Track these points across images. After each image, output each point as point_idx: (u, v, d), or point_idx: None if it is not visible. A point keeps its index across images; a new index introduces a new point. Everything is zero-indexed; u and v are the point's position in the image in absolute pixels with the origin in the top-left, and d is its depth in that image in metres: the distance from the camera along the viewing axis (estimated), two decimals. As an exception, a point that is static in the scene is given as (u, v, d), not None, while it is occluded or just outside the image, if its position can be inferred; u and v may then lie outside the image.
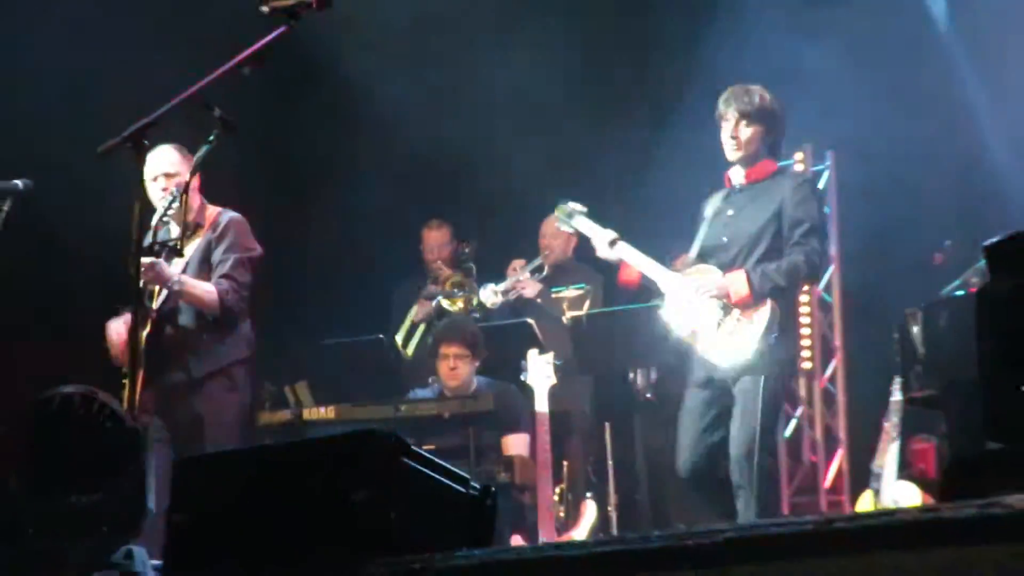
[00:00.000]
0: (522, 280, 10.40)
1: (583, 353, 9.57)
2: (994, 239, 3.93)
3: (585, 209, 8.20)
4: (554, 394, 8.64)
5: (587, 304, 10.16)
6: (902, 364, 7.60)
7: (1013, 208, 9.90)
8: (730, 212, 7.69)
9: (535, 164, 10.52)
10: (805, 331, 11.24)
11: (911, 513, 2.87)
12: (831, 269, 11.38)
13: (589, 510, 8.99)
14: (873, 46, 10.84)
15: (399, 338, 10.92)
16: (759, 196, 7.65)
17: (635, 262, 7.71)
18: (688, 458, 7.51)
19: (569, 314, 10.04)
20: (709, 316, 7.44)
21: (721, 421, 7.45)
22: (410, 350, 10.89)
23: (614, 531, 9.20)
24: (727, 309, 7.42)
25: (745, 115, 7.53)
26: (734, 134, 7.56)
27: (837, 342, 11.40)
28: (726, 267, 7.54)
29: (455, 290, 10.81)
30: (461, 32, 10.68)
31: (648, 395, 9.90)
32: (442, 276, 10.92)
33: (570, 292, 10.26)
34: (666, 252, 7.96)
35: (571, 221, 8.18)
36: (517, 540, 8.33)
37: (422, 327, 10.89)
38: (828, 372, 11.41)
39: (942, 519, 2.74)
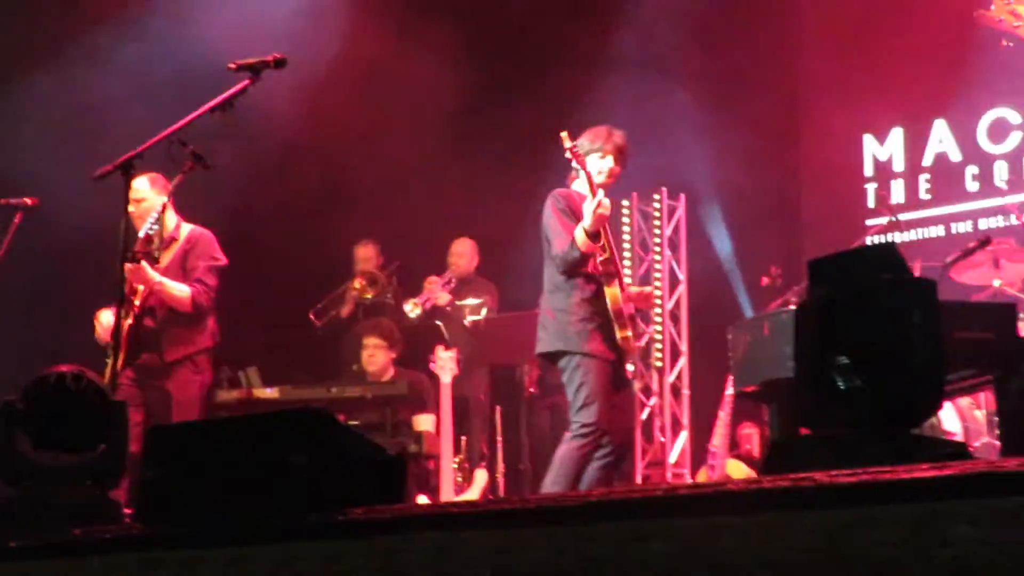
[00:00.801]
0: (435, 292, 10.41)
1: (480, 350, 9.66)
2: (816, 257, 3.96)
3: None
4: (456, 382, 8.72)
5: (484, 310, 10.16)
6: (732, 365, 7.62)
7: (825, 243, 9.97)
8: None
9: (443, 195, 10.57)
10: (658, 336, 11.31)
11: (739, 484, 2.89)
12: (682, 288, 11.42)
13: (481, 476, 9.01)
14: (717, 105, 10.93)
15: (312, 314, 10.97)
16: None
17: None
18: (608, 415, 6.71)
19: (470, 318, 10.07)
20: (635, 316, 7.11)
21: None
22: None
23: (501, 494, 9.20)
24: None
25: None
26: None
27: (684, 347, 11.43)
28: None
29: (368, 284, 10.85)
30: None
31: (532, 389, 9.95)
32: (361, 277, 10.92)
33: (471, 300, 10.26)
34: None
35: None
36: (423, 499, 8.31)
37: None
38: (676, 370, 11.43)
39: (764, 489, 2.75)
